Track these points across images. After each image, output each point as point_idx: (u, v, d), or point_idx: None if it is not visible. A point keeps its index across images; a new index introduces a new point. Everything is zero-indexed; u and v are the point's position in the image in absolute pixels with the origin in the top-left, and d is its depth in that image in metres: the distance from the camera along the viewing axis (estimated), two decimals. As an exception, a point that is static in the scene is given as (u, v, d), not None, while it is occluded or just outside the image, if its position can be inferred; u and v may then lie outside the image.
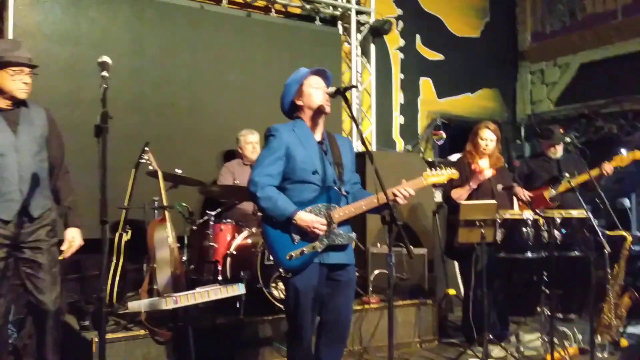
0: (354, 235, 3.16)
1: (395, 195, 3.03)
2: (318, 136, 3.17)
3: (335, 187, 3.09)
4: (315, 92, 3.11)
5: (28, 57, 3.25)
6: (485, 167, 4.55)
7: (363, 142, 3.15)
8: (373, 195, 3.07)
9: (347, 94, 3.13)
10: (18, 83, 3.20)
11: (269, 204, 2.99)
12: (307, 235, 3.01)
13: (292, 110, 3.22)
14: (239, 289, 3.40)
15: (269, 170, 3.04)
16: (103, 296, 2.25)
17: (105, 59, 2.62)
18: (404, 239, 2.69)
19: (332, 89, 3.07)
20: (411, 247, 2.72)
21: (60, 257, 3.36)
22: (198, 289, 3.20)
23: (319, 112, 3.12)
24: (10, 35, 4.80)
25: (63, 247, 3.37)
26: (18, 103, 3.28)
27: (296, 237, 3.02)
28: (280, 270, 3.62)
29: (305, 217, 2.98)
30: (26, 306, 3.36)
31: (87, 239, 3.47)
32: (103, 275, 2.29)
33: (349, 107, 2.98)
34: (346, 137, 3.37)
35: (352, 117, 2.99)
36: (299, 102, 3.16)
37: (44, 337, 3.34)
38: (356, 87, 6.78)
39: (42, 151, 3.33)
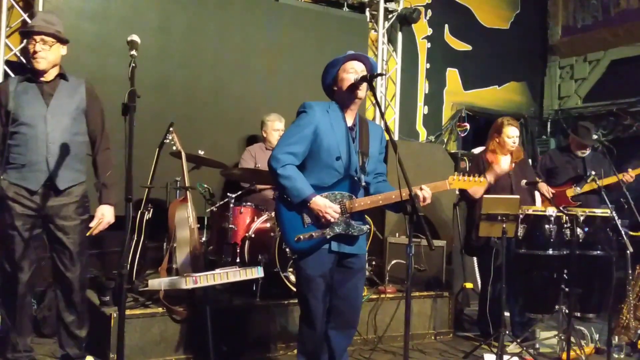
0: (365, 227, 3.13)
1: (416, 193, 2.98)
2: (350, 121, 3.14)
3: (356, 177, 3.07)
4: (348, 77, 3.08)
5: (44, 25, 3.26)
6: (504, 163, 4.51)
7: (388, 132, 3.11)
8: (392, 191, 3.04)
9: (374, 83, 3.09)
10: (31, 51, 3.24)
11: (287, 182, 2.97)
12: (319, 220, 3.00)
13: (330, 93, 3.21)
14: (257, 272, 3.41)
15: (293, 148, 3.02)
16: (124, 273, 2.26)
17: (135, 37, 2.64)
18: (425, 230, 2.66)
19: (357, 76, 3.04)
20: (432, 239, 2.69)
21: (87, 234, 3.40)
22: (218, 270, 3.23)
23: (350, 96, 3.09)
24: (40, 9, 4.82)
25: (92, 224, 3.41)
26: (58, 75, 3.33)
27: (307, 221, 3.01)
28: (287, 250, 3.63)
29: (321, 202, 2.96)
30: (53, 278, 3.40)
31: (91, 216, 3.50)
32: (125, 253, 2.30)
33: (375, 96, 2.94)
34: (379, 126, 3.33)
35: (378, 106, 2.96)
36: (335, 87, 3.14)
37: (68, 309, 3.42)
38: (383, 74, 6.73)
39: (77, 124, 3.36)
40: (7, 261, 3.25)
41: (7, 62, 4.86)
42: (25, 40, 3.27)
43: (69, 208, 3.33)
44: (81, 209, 3.40)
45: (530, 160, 5.16)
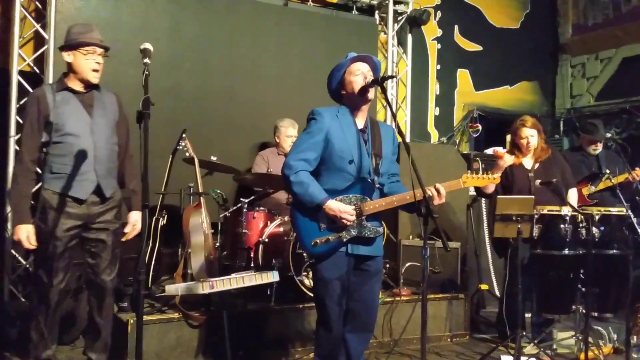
0: (382, 229, 3.14)
1: (428, 194, 2.98)
2: (360, 124, 3.15)
3: (370, 179, 3.07)
4: (356, 79, 3.09)
5: (100, 39, 3.35)
6: (507, 157, 4.46)
7: (400, 133, 3.12)
8: (406, 192, 3.04)
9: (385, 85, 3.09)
10: (91, 63, 3.31)
11: (300, 189, 3.00)
12: (335, 224, 3.01)
13: (337, 96, 3.22)
14: (273, 277, 3.42)
15: (305, 155, 3.04)
16: (142, 279, 2.28)
17: (147, 45, 2.67)
18: (440, 231, 2.66)
19: (369, 79, 3.05)
20: (444, 240, 2.68)
21: (123, 239, 3.49)
22: (234, 275, 3.24)
23: (360, 99, 3.10)
24: (52, 20, 4.90)
25: (126, 230, 3.49)
26: (91, 87, 3.39)
27: (323, 225, 3.02)
28: (304, 255, 3.63)
29: (335, 206, 2.98)
30: (85, 283, 3.47)
31: (124, 222, 3.55)
32: (142, 259, 2.32)
33: (386, 98, 2.95)
34: (390, 126, 3.33)
35: (390, 107, 2.95)
36: (343, 91, 3.15)
37: (100, 313, 3.47)
38: (394, 77, 6.72)
39: (113, 135, 3.45)
40: (44, 269, 3.28)
41: (21, 73, 4.91)
42: (68, 52, 3.29)
43: (110, 212, 3.42)
44: (119, 213, 3.51)
45: (558, 154, 4.95)
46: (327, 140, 3.05)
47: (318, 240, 3.01)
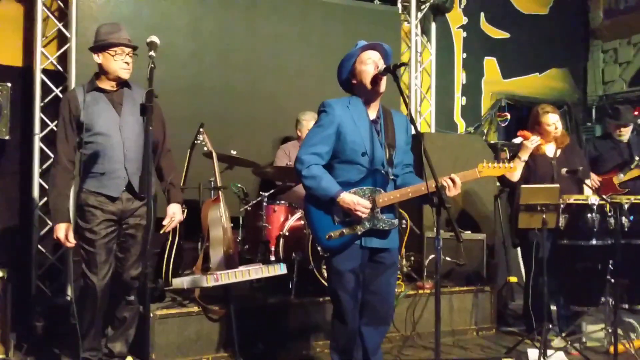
0: (396, 221, 3.09)
1: (442, 184, 2.91)
2: (373, 114, 3.09)
3: (383, 171, 3.02)
4: (367, 68, 3.03)
5: (127, 39, 3.38)
6: (535, 138, 4.36)
7: (413, 124, 3.04)
8: (421, 183, 2.97)
9: (404, 71, 3.02)
10: (120, 63, 3.34)
11: (313, 183, 2.97)
12: (349, 216, 2.97)
13: (348, 87, 3.16)
14: (280, 269, 3.40)
15: (317, 148, 3.01)
16: (148, 272, 2.28)
17: (154, 38, 2.66)
18: (452, 222, 2.59)
19: (381, 67, 2.98)
20: (460, 230, 2.61)
21: (161, 231, 3.54)
22: (241, 268, 3.23)
23: (372, 89, 3.04)
24: (73, 18, 4.96)
25: (164, 222, 3.53)
26: (122, 84, 3.43)
27: (337, 218, 2.99)
28: (319, 248, 3.60)
29: (349, 199, 2.93)
30: (113, 276, 3.49)
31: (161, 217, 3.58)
32: (147, 252, 2.32)
33: (398, 86, 2.87)
34: (403, 115, 3.27)
35: (402, 96, 2.88)
36: (354, 81, 3.09)
37: (127, 307, 3.51)
38: (407, 64, 6.57)
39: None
40: (87, 266, 3.35)
41: (44, 71, 4.99)
42: (97, 53, 3.34)
43: (143, 208, 3.42)
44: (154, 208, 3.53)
45: (575, 142, 4.90)
46: (339, 133, 3.00)
47: (332, 234, 2.98)
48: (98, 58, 3.37)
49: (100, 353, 3.52)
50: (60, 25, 5.07)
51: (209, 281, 3.05)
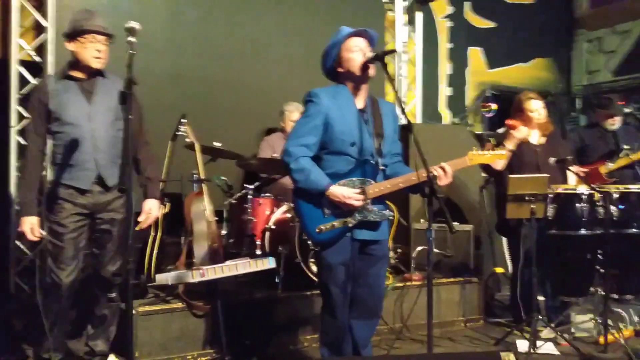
0: (387, 213, 3.02)
1: (433, 173, 2.86)
2: (360, 103, 3.01)
3: (373, 161, 2.95)
4: (355, 56, 2.94)
5: (102, 26, 3.25)
6: (522, 128, 4.33)
7: (404, 113, 2.97)
8: (412, 173, 2.91)
9: (389, 61, 2.94)
10: (92, 51, 3.21)
11: (301, 176, 2.89)
12: (339, 209, 2.90)
13: (333, 75, 3.07)
14: (268, 263, 3.32)
15: (304, 140, 2.92)
16: (130, 269, 2.19)
17: (134, 24, 2.54)
18: (445, 213, 2.53)
19: (369, 54, 2.90)
20: (452, 222, 2.55)
21: (137, 228, 3.40)
22: (227, 263, 3.14)
23: (360, 77, 2.96)
24: (50, 7, 4.81)
25: (140, 218, 3.41)
26: (95, 73, 3.30)
27: (327, 211, 2.91)
28: (309, 242, 3.54)
29: (338, 192, 2.86)
30: (93, 273, 3.42)
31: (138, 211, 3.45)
32: (129, 247, 2.23)
33: (387, 73, 2.80)
34: (391, 103, 3.20)
35: (391, 83, 2.80)
36: (340, 69, 3.00)
37: (106, 304, 3.43)
38: (395, 51, 6.50)
39: (118, 121, 3.31)
40: (53, 262, 3.23)
41: (21, 62, 4.83)
42: (70, 40, 3.22)
43: (117, 202, 3.33)
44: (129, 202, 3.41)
45: (558, 131, 4.90)
46: (327, 123, 2.92)
47: (323, 227, 2.91)
48: (70, 46, 3.24)
49: (62, 354, 3.41)
50: (36, 15, 4.91)
51: (194, 276, 2.95)
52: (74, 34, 3.20)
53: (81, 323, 3.56)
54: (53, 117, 3.19)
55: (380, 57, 2.86)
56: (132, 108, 3.29)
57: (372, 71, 2.94)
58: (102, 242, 3.34)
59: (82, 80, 3.28)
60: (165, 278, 3.14)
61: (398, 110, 3.24)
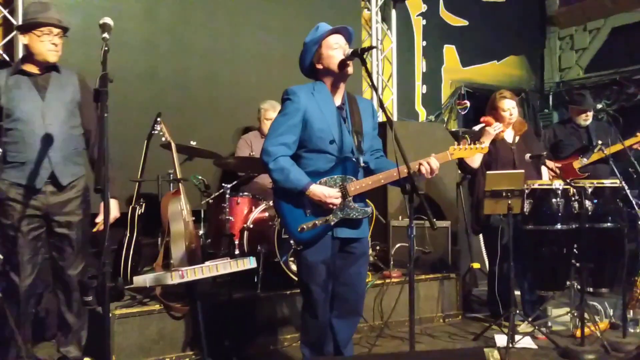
0: (369, 209, 3.01)
1: (420, 167, 2.87)
2: (338, 100, 2.99)
3: (353, 158, 2.93)
4: (335, 53, 2.92)
5: (57, 19, 3.16)
6: (497, 124, 4.37)
7: (384, 110, 2.96)
8: (393, 168, 2.89)
9: (367, 59, 2.92)
10: (47, 44, 3.12)
11: (281, 176, 2.86)
12: (321, 208, 2.87)
13: (312, 72, 3.04)
14: (249, 263, 3.28)
15: (283, 139, 2.89)
16: (106, 271, 2.13)
17: (107, 20, 2.49)
18: (426, 209, 2.53)
19: (348, 51, 2.88)
20: (433, 218, 2.55)
21: (94, 229, 3.33)
22: (207, 263, 3.10)
23: (339, 74, 2.94)
24: (20, 5, 4.69)
25: (98, 220, 3.32)
26: (49, 67, 3.20)
27: (308, 210, 2.88)
28: (292, 242, 3.51)
29: (319, 191, 2.84)
30: (53, 278, 3.33)
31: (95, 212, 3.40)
32: (106, 249, 2.17)
33: (367, 71, 2.78)
34: (368, 100, 3.20)
35: (371, 82, 2.79)
36: (319, 66, 2.97)
37: (70, 308, 3.34)
38: (376, 47, 6.53)
39: (74, 117, 3.24)
40: (9, 265, 3.12)
41: (-11, 60, 4.71)
42: (23, 33, 3.13)
43: (72, 203, 3.23)
44: (84, 204, 3.32)
45: (532, 129, 4.96)
46: (305, 121, 2.89)
47: (305, 226, 2.89)
48: (24, 39, 3.14)
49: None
50: (5, 12, 4.79)
51: (173, 278, 2.89)
52: (28, 27, 3.10)
53: (48, 328, 3.48)
54: (4, 113, 3.08)
55: (359, 54, 2.85)
56: (87, 105, 3.25)
57: (350, 69, 2.93)
58: (61, 246, 3.24)
59: (35, 75, 3.18)
60: (143, 280, 3.07)
61: (377, 107, 3.24)
